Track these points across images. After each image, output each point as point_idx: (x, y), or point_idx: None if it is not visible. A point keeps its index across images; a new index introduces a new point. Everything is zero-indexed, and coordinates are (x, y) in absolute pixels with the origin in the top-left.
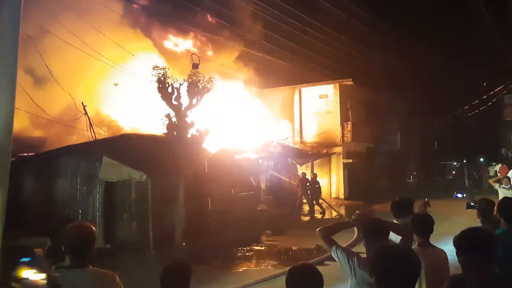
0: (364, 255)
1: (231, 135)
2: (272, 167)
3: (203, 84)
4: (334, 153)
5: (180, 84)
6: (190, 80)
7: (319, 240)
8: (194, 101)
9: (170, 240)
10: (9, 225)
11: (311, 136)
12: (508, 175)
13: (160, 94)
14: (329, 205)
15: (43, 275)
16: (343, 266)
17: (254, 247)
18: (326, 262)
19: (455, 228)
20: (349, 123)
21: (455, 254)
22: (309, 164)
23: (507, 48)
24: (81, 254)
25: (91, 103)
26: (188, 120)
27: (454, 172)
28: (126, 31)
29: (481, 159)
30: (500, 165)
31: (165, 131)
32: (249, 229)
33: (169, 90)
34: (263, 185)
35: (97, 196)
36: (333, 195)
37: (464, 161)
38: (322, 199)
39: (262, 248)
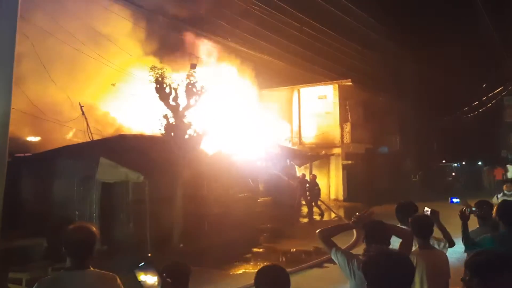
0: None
1: (229, 136)
2: (270, 168)
3: (201, 85)
4: (333, 154)
5: (178, 85)
6: (188, 80)
7: (319, 242)
8: (192, 101)
9: (167, 242)
10: (5, 226)
11: (310, 137)
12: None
13: (158, 95)
14: (328, 207)
15: (156, 278)
16: (342, 268)
17: (252, 249)
18: (325, 265)
19: (454, 231)
20: (348, 124)
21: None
22: (308, 165)
23: (506, 50)
24: (82, 256)
25: (88, 103)
26: (185, 120)
27: (453, 173)
28: (125, 32)
29: (479, 162)
30: None
31: (163, 131)
32: (247, 231)
33: (167, 90)
34: (261, 187)
35: (94, 197)
36: (332, 197)
37: (463, 162)
38: (321, 200)
39: (260, 250)
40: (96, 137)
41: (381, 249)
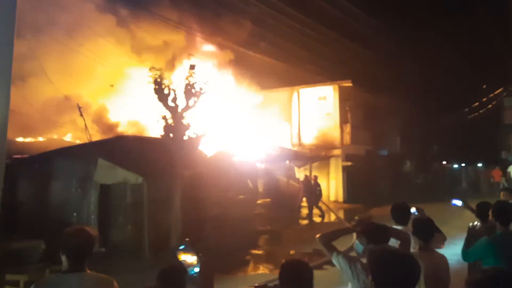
0: (364, 260)
1: (228, 137)
2: (270, 170)
3: (200, 86)
4: (333, 156)
5: (177, 86)
6: (187, 81)
7: (319, 246)
8: (191, 102)
9: (166, 244)
10: (2, 228)
11: (309, 138)
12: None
13: (156, 96)
14: (329, 209)
15: (195, 258)
16: (344, 272)
17: (251, 251)
18: (324, 267)
19: (454, 232)
20: (348, 125)
21: None
22: (308, 166)
23: (507, 51)
24: (79, 258)
25: (86, 104)
26: (184, 122)
27: (453, 175)
28: (123, 31)
29: (479, 164)
30: None
31: (162, 133)
32: (247, 233)
33: (166, 91)
34: (260, 188)
35: (92, 199)
36: (332, 198)
37: (463, 164)
38: (323, 202)
39: (259, 252)
40: (94, 138)
41: (387, 248)
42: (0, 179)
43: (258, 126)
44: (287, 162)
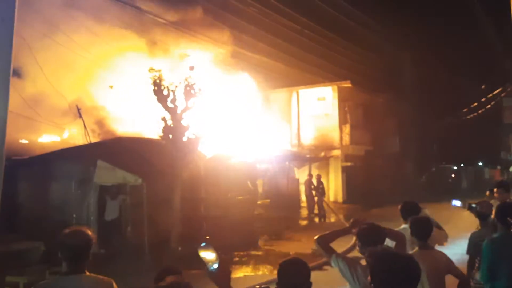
0: (363, 261)
1: (227, 138)
2: (269, 170)
3: (199, 88)
4: (332, 156)
5: (176, 86)
6: (186, 82)
7: (317, 248)
8: (190, 103)
9: (165, 245)
10: (2, 229)
11: (309, 139)
12: None
13: (156, 97)
14: (331, 209)
15: (214, 255)
16: (344, 275)
17: (251, 252)
18: (324, 267)
19: (454, 232)
20: (348, 125)
21: None
22: (307, 167)
23: (505, 51)
24: (78, 260)
25: (85, 105)
26: (183, 123)
27: (453, 175)
28: (121, 33)
29: (480, 163)
30: None
31: (161, 134)
32: (246, 234)
33: (165, 92)
34: (260, 189)
35: (92, 200)
36: (331, 199)
37: (462, 165)
38: (325, 202)
39: (259, 253)
40: (93, 139)
41: (387, 250)
42: None
43: (258, 127)
44: (287, 163)
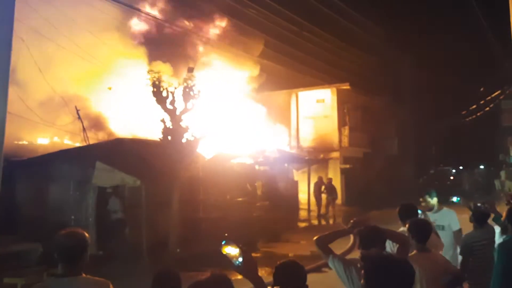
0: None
1: (226, 140)
2: (268, 172)
3: (198, 89)
4: (331, 158)
5: (175, 88)
6: (185, 84)
7: (316, 249)
8: (189, 105)
9: (164, 247)
10: (1, 230)
11: (308, 141)
12: None
13: (155, 98)
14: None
15: (237, 250)
16: (340, 276)
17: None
18: (323, 269)
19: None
20: (347, 128)
21: None
22: (306, 169)
23: (504, 53)
24: (73, 262)
25: (83, 106)
26: (183, 124)
27: (452, 177)
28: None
29: (481, 166)
30: None
31: (160, 135)
32: (245, 236)
33: (164, 94)
34: (259, 191)
35: (90, 202)
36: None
37: (461, 167)
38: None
39: (258, 255)
40: (92, 140)
41: (381, 254)
42: None
43: (257, 128)
44: (286, 164)
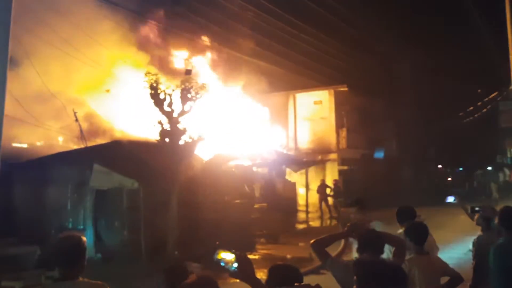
0: None
1: (224, 141)
2: (266, 174)
3: (196, 91)
4: (329, 160)
5: (173, 90)
6: (183, 86)
7: (313, 252)
8: (187, 107)
9: (162, 249)
10: None
11: (305, 142)
12: None
13: (152, 101)
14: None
15: (233, 255)
16: (339, 281)
17: (248, 256)
18: (322, 271)
19: (451, 236)
20: (344, 129)
21: None
22: (304, 171)
23: (501, 55)
24: (71, 266)
25: (81, 109)
26: (180, 126)
27: (449, 178)
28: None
29: (479, 167)
30: None
31: (158, 137)
32: (243, 237)
33: (161, 96)
34: (257, 193)
35: (88, 204)
36: (329, 203)
37: (460, 168)
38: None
39: (256, 256)
40: (89, 143)
41: (373, 259)
42: None
43: (254, 130)
44: (284, 166)
